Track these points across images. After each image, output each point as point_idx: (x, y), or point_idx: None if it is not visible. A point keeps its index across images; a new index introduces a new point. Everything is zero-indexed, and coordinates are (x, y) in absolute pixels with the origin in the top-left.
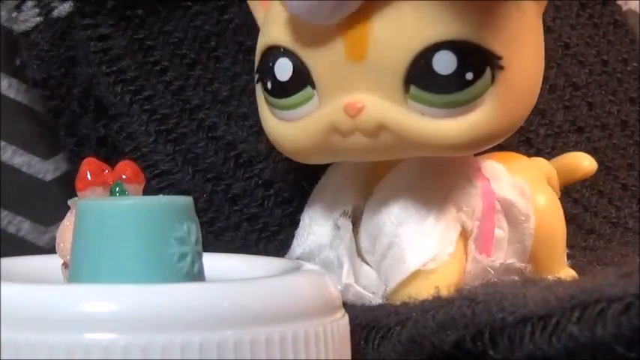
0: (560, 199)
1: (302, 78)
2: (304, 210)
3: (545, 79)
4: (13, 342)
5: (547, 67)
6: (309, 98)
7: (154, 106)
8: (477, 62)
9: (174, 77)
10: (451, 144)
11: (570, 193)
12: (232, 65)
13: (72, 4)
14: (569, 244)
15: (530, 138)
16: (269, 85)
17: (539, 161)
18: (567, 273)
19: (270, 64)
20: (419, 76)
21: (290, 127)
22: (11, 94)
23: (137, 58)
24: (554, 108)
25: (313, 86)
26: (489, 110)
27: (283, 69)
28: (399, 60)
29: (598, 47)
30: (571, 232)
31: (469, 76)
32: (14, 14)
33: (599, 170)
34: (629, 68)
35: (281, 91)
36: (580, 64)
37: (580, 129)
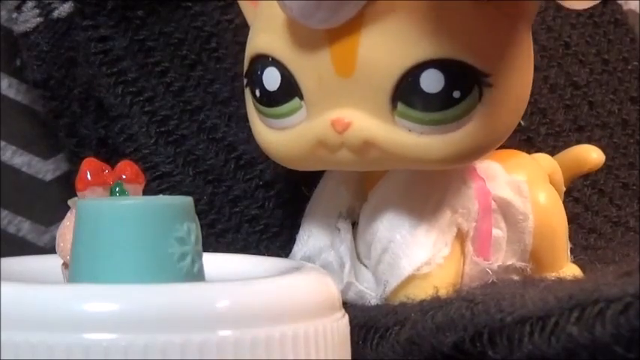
0: (562, 197)
1: (290, 89)
2: (304, 215)
3: (546, 78)
4: (13, 342)
5: (548, 67)
6: (296, 109)
7: (155, 107)
8: (464, 81)
9: (175, 78)
10: (437, 160)
11: (571, 192)
12: (233, 66)
13: (72, 4)
14: (570, 243)
15: (531, 137)
16: (257, 94)
17: (541, 157)
18: (571, 269)
19: (259, 73)
20: (406, 93)
21: (279, 136)
22: (11, 94)
23: (137, 60)
24: (555, 107)
25: (301, 97)
26: (477, 127)
27: (271, 79)
28: (386, 77)
29: (598, 46)
30: (572, 231)
31: (456, 94)
32: (14, 15)
33: (600, 169)
34: (629, 67)
35: (269, 100)
36: (580, 64)
37: (581, 128)
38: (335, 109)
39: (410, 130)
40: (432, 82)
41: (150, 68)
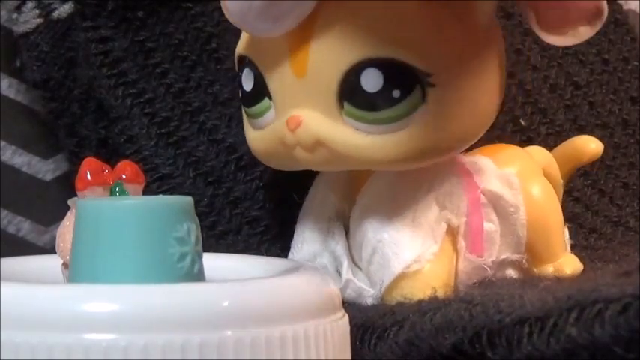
0: (562, 197)
1: (261, 89)
2: (297, 221)
3: (546, 78)
4: (13, 342)
5: (548, 67)
6: (267, 109)
7: (155, 109)
8: (404, 80)
9: (175, 79)
10: (385, 160)
11: (571, 192)
12: (233, 67)
13: (72, 5)
14: (570, 243)
15: (531, 137)
16: (240, 94)
17: (535, 150)
18: (569, 259)
19: (240, 74)
20: (350, 93)
21: (258, 135)
22: (11, 94)
23: (138, 61)
24: (555, 107)
25: (270, 97)
26: (422, 127)
27: (247, 79)
28: (331, 77)
29: (599, 46)
30: (572, 231)
31: (396, 93)
32: (14, 15)
33: (600, 170)
34: (629, 67)
35: (247, 100)
36: (581, 64)
37: (581, 128)
38: (293, 108)
39: (357, 130)
40: (371, 81)
41: (150, 69)
